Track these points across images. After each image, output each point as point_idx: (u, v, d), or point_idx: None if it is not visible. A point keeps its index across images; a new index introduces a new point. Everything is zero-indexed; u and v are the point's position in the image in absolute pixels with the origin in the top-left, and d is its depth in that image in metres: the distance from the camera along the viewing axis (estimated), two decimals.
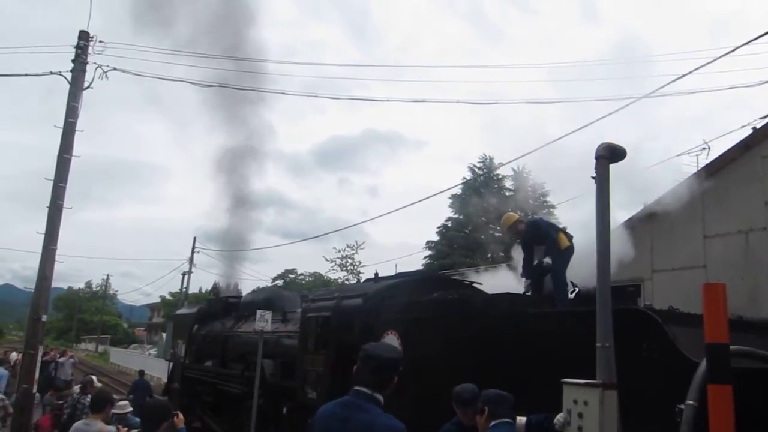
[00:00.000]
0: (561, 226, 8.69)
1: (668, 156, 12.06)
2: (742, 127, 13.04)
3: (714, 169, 11.79)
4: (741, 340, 4.55)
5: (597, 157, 4.82)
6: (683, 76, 12.51)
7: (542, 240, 8.26)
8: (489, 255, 34.13)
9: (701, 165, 12.42)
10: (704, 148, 12.96)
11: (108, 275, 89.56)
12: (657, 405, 4.25)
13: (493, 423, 4.18)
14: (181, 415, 5.25)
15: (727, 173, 11.52)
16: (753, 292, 11.07)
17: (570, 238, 8.27)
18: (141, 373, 18.63)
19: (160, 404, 5.47)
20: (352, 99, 67.22)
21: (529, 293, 8.19)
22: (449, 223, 39.66)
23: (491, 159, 40.64)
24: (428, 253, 39.13)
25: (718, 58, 12.19)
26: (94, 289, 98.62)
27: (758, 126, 12.38)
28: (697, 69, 12.33)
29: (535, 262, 8.37)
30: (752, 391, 3.89)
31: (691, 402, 3.95)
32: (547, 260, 8.09)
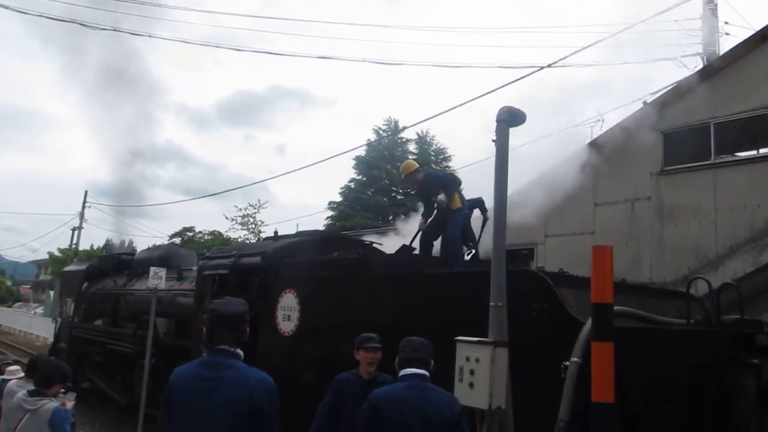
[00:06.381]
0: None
1: (565, 126, 12.44)
2: (634, 101, 13.67)
3: (606, 140, 12.31)
4: (624, 301, 4.80)
5: (498, 121, 4.88)
6: (583, 48, 12.93)
7: (435, 194, 8.15)
8: (390, 217, 34.44)
9: (596, 135, 12.95)
10: (598, 120, 13.53)
11: None
12: (545, 362, 4.40)
13: (402, 372, 3.86)
14: (73, 401, 5.19)
15: (617, 144, 12.06)
16: (636, 257, 11.74)
17: (462, 199, 8.26)
18: None
19: (59, 365, 5.36)
20: (256, 51, 65.58)
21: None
22: (352, 185, 39.60)
23: (396, 122, 40.72)
24: (330, 213, 39.03)
25: (616, 33, 12.65)
26: None
27: (648, 101, 13.01)
28: (596, 42, 12.78)
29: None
30: (632, 347, 4.09)
31: (575, 359, 4.12)
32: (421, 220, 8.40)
